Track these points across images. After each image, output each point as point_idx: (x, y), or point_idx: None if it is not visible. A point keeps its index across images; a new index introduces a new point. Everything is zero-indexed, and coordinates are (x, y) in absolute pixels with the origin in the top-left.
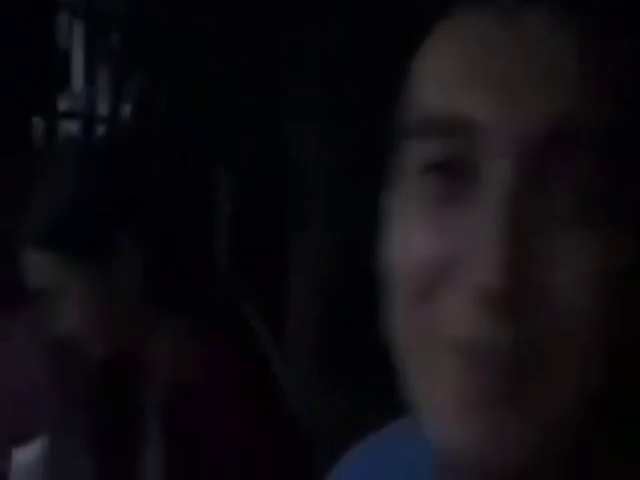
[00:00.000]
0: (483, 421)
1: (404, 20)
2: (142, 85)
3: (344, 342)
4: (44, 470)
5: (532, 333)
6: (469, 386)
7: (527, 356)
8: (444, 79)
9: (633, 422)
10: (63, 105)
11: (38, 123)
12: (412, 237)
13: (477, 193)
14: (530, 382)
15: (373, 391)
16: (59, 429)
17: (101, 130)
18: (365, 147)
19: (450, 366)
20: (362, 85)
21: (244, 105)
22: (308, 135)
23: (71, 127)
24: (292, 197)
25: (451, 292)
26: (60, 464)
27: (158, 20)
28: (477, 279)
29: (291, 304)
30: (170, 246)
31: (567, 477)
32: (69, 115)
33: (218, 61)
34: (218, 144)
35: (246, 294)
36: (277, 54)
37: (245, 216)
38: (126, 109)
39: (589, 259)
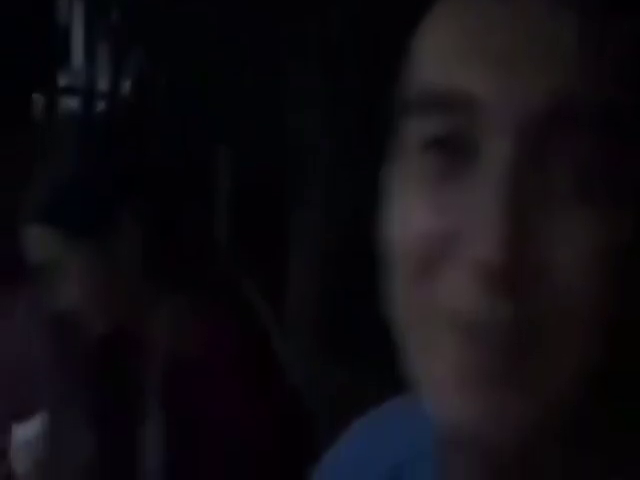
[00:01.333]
0: (483, 397)
1: None
2: (142, 62)
3: (344, 317)
4: (44, 446)
5: (532, 310)
6: (469, 362)
7: (527, 333)
8: (443, 56)
9: (633, 399)
10: (63, 81)
11: (38, 99)
12: (412, 214)
13: (477, 170)
14: (530, 359)
15: (373, 366)
16: (59, 405)
17: (101, 106)
18: (365, 123)
19: (450, 342)
20: (362, 62)
21: (244, 83)
22: (308, 113)
23: (71, 103)
24: (292, 174)
25: (451, 268)
26: (60, 440)
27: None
28: (477, 255)
29: (291, 280)
30: (170, 223)
31: (567, 453)
32: (69, 91)
33: (218, 42)
34: (218, 122)
35: (246, 270)
36: (277, 35)
37: (245, 193)
38: (126, 86)
39: (589, 236)
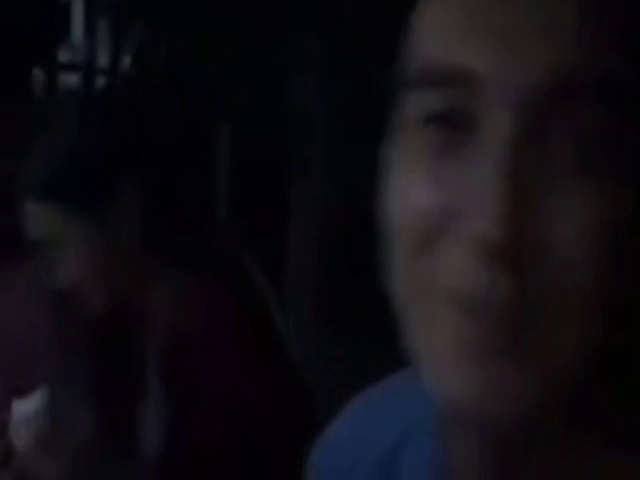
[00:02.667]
0: (482, 372)
1: None
2: (142, 36)
3: (344, 291)
4: (44, 421)
5: (531, 285)
6: (468, 337)
7: (526, 308)
8: (443, 30)
9: (633, 377)
10: (63, 57)
11: (38, 75)
12: (411, 189)
13: (477, 145)
14: (529, 334)
15: (373, 340)
16: (59, 380)
17: (101, 82)
18: (365, 97)
19: (449, 317)
20: (363, 37)
21: (243, 54)
22: (308, 83)
23: (71, 79)
24: (292, 144)
25: (450, 243)
26: (60, 415)
27: None
28: (476, 230)
29: (291, 252)
30: (170, 196)
31: (567, 430)
32: (69, 67)
33: (217, 16)
34: (217, 93)
35: (246, 242)
36: (277, 7)
37: (245, 166)
38: (126, 61)
39: (589, 211)
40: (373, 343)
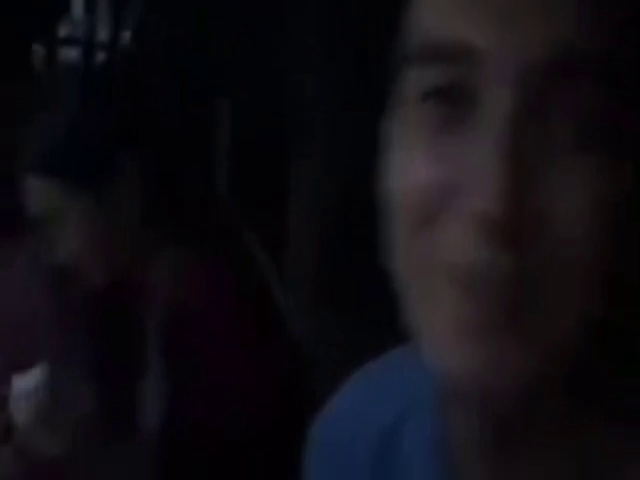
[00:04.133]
0: (482, 348)
1: None
2: (142, 12)
3: (344, 269)
4: (44, 396)
5: (531, 260)
6: (468, 313)
7: (527, 284)
8: (444, 6)
9: (633, 350)
10: (63, 31)
11: (38, 49)
12: (411, 165)
13: (477, 120)
14: (529, 310)
15: (373, 318)
16: (59, 357)
17: (101, 57)
18: (366, 75)
19: (449, 293)
20: (363, 13)
21: (243, 30)
22: (308, 64)
23: (71, 53)
24: (292, 121)
25: (450, 220)
26: (60, 391)
27: None
28: (476, 206)
29: (291, 230)
30: (169, 173)
31: (566, 405)
32: (69, 41)
33: None
34: (217, 69)
35: (246, 220)
36: None
37: (245, 141)
38: (126, 36)
39: (588, 187)
40: (373, 323)
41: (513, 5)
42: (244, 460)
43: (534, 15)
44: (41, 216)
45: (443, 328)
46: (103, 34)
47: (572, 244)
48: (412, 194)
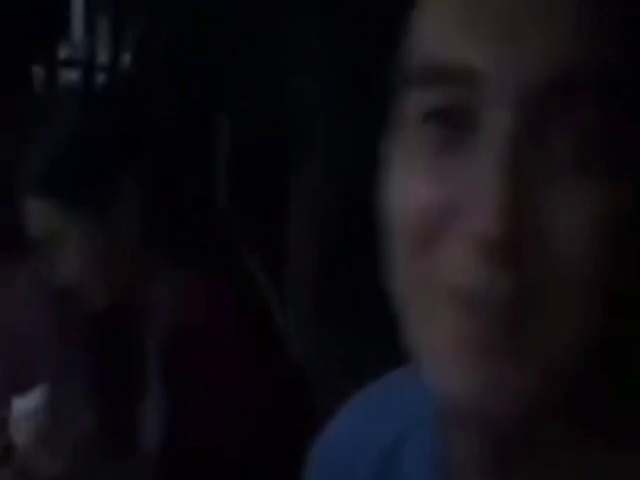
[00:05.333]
0: (482, 368)
1: None
2: (142, 32)
3: (344, 285)
4: (44, 417)
5: (531, 280)
6: (468, 333)
7: (526, 303)
8: (443, 27)
9: (633, 369)
10: (63, 53)
11: (38, 71)
12: (411, 185)
13: (477, 141)
14: (529, 329)
15: (373, 335)
16: (60, 376)
17: (101, 78)
18: (366, 89)
19: (449, 314)
20: (363, 32)
21: (243, 45)
22: (308, 76)
23: (71, 75)
24: (292, 136)
25: (450, 240)
26: (60, 412)
27: None
28: (476, 226)
29: (291, 245)
30: (170, 189)
31: (567, 425)
32: (69, 63)
33: (217, 4)
34: (217, 85)
35: (246, 238)
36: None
37: (245, 156)
38: (126, 58)
39: (588, 207)
40: (373, 337)
41: (512, 26)
42: (244, 478)
43: (533, 36)
44: (41, 236)
45: (443, 347)
46: (103, 56)
47: (572, 263)
48: (412, 214)
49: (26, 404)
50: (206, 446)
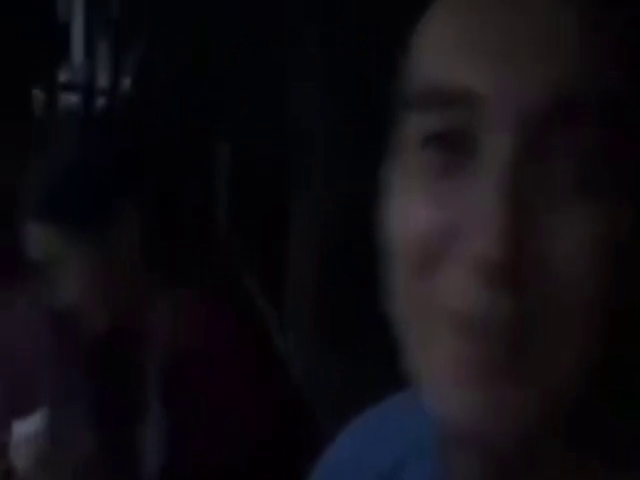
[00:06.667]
0: (482, 391)
1: None
2: (142, 56)
3: (344, 308)
4: (44, 442)
5: (531, 304)
6: (468, 356)
7: (526, 326)
8: (443, 51)
9: (634, 392)
10: (63, 77)
11: (38, 95)
12: (411, 209)
13: (477, 165)
14: (530, 353)
15: (372, 356)
16: (60, 399)
17: (101, 102)
18: (366, 111)
19: (449, 337)
20: (363, 51)
21: (243, 71)
22: (309, 98)
23: (71, 99)
24: (292, 161)
25: (451, 264)
26: (60, 436)
27: None
28: (476, 250)
29: (291, 268)
30: (170, 213)
31: (567, 448)
32: (69, 87)
33: (216, 29)
34: (217, 110)
35: (246, 258)
36: (278, 27)
37: (244, 181)
38: (126, 82)
39: (589, 229)
40: (373, 360)
41: (513, 50)
42: None
43: (534, 60)
44: (42, 260)
45: (443, 369)
46: (103, 80)
47: (572, 286)
48: (412, 238)
49: (26, 428)
50: (206, 467)
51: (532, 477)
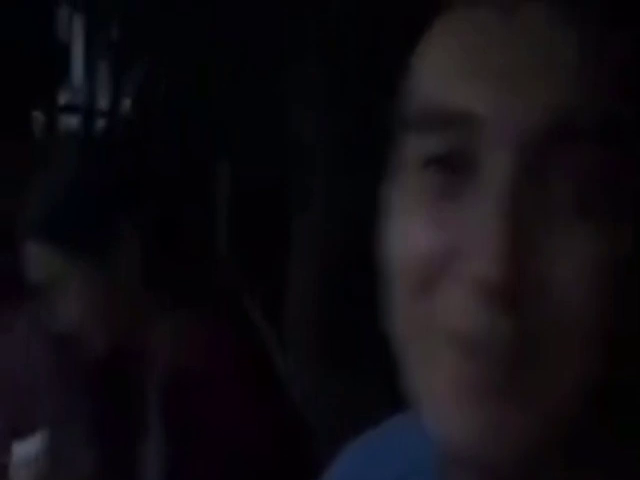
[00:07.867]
0: (482, 412)
1: (404, 15)
2: (142, 77)
3: (344, 329)
4: (45, 462)
5: (531, 325)
6: (468, 377)
7: (526, 347)
8: (443, 72)
9: (634, 414)
10: (63, 99)
11: (38, 117)
12: (411, 230)
13: (477, 186)
14: (529, 373)
15: (372, 376)
16: (60, 421)
17: (101, 123)
18: (365, 130)
19: (449, 357)
20: (363, 70)
21: (243, 91)
22: (308, 118)
23: (71, 120)
24: (292, 180)
25: (450, 284)
26: (61, 456)
27: (157, 12)
28: (476, 271)
29: (291, 288)
30: (170, 234)
31: (566, 470)
32: (69, 108)
33: (217, 50)
34: (217, 130)
35: (246, 279)
36: (278, 46)
37: (244, 201)
38: (126, 103)
39: (589, 250)
40: (373, 380)
41: (512, 70)
42: None
43: (533, 79)
44: (41, 281)
45: (443, 391)
46: (103, 101)
47: (572, 307)
48: (412, 258)
49: (26, 449)
50: None
51: None
